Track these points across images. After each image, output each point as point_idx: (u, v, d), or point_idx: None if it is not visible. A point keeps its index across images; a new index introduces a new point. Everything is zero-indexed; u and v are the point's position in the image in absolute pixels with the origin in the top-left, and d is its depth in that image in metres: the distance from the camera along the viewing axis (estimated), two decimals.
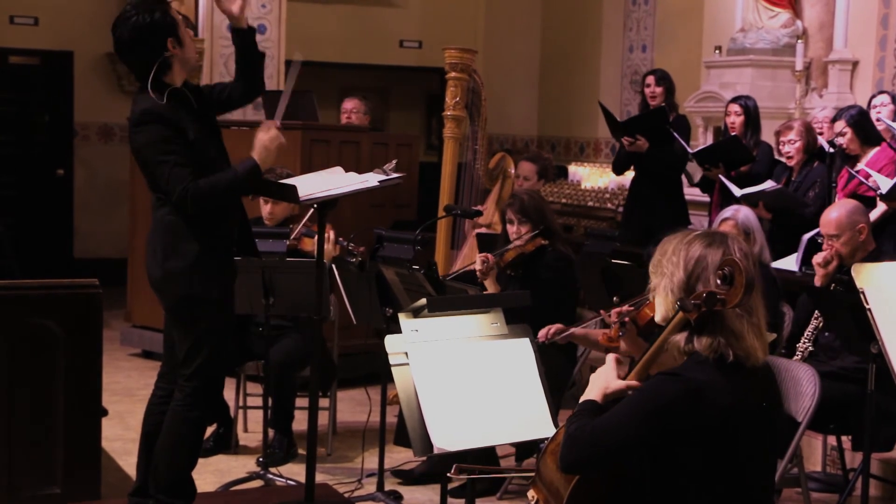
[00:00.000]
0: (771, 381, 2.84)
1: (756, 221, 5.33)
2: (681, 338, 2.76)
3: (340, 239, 5.54)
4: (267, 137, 4.08)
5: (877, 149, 6.23)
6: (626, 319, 3.49)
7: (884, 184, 5.79)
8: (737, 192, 6.38)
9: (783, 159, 6.66)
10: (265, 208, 5.74)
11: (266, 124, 4.15)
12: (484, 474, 4.37)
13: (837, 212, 5.03)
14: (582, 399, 2.85)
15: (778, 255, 6.04)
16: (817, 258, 5.02)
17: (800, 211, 6.35)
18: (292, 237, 5.59)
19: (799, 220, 6.35)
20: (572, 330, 4.64)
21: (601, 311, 4.10)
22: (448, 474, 3.36)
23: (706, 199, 7.33)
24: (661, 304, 2.83)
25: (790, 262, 6.05)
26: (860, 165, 6.11)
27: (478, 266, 5.24)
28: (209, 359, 4.13)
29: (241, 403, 5.92)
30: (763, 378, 2.80)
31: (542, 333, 4.64)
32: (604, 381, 2.85)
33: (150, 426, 4.32)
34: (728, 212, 5.33)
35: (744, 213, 5.29)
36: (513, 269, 5.36)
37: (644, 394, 2.71)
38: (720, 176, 6.67)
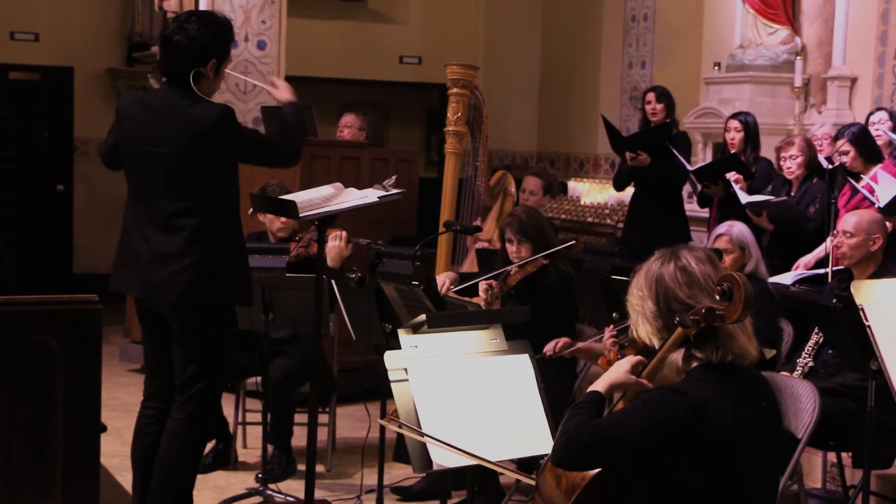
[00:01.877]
0: (766, 386, 2.85)
1: (751, 236, 5.32)
2: (678, 356, 2.76)
3: (353, 239, 5.56)
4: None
5: (879, 165, 6.23)
6: (626, 343, 3.47)
7: (884, 198, 5.77)
8: (743, 199, 6.37)
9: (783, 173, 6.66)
10: (279, 219, 5.72)
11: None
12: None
13: (860, 216, 5.10)
14: (589, 389, 2.86)
15: (775, 271, 6.03)
16: None
17: (803, 225, 6.34)
18: (302, 244, 5.59)
19: (800, 234, 6.34)
20: (579, 344, 4.67)
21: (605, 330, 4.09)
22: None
23: (706, 214, 7.33)
24: (648, 335, 2.83)
25: (787, 278, 6.04)
26: (865, 180, 6.09)
27: (482, 295, 5.21)
28: (212, 382, 4.15)
29: (240, 419, 5.92)
30: (759, 384, 2.82)
31: (549, 347, 4.71)
32: (615, 373, 2.85)
33: (143, 448, 4.29)
34: (722, 227, 5.32)
35: (738, 228, 5.29)
36: (514, 288, 5.35)
37: (648, 404, 2.71)
38: (730, 179, 6.63)
